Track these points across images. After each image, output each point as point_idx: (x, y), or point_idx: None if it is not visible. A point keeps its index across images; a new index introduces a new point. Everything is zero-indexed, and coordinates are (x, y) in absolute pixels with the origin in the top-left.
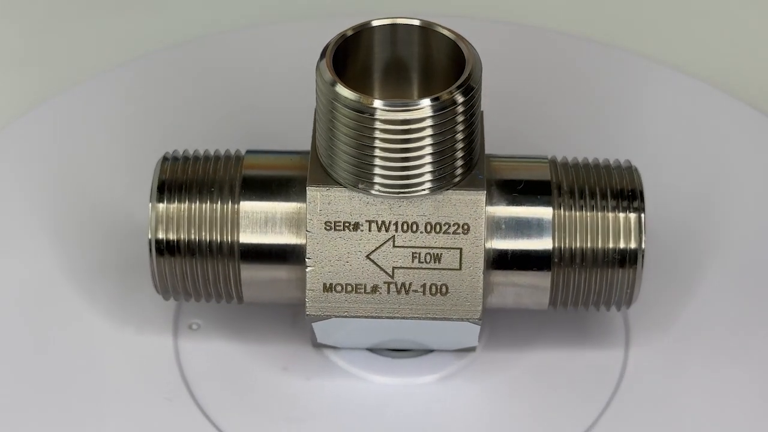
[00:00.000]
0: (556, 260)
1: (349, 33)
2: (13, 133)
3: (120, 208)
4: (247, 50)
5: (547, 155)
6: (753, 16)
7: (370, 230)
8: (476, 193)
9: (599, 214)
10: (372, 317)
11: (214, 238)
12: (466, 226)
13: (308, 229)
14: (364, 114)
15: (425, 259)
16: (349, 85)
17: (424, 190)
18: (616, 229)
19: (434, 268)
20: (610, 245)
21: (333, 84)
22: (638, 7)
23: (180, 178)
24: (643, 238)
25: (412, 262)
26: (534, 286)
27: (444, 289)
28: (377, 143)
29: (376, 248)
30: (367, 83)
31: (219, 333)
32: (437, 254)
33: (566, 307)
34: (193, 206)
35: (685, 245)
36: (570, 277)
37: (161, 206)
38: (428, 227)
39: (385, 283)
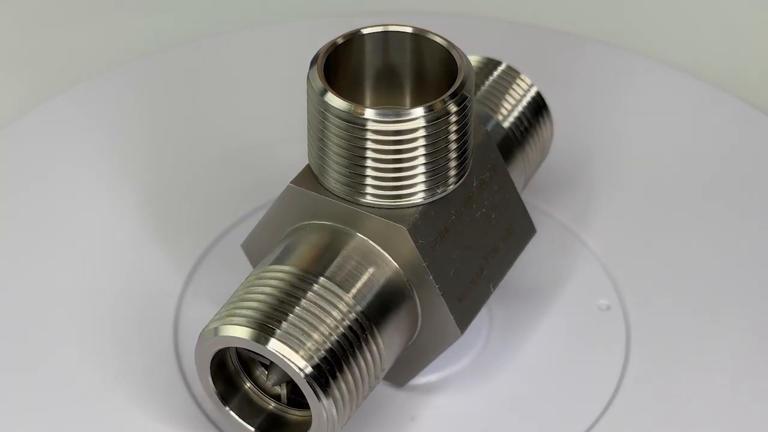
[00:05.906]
0: (513, 141)
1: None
2: (13, 132)
3: (120, 213)
4: (247, 51)
5: None
6: (753, 16)
7: (455, 224)
8: (485, 136)
9: (501, 91)
10: (489, 296)
11: (344, 326)
12: (493, 167)
13: (424, 260)
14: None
15: (490, 215)
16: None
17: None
18: (515, 90)
19: (498, 217)
20: (524, 103)
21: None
22: (638, 7)
23: (260, 307)
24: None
25: (485, 224)
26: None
27: (510, 229)
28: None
29: (467, 234)
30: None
31: None
32: (492, 204)
33: (528, 181)
34: (301, 315)
35: (685, 237)
36: (525, 147)
37: (276, 342)
38: (478, 189)
39: (483, 258)
